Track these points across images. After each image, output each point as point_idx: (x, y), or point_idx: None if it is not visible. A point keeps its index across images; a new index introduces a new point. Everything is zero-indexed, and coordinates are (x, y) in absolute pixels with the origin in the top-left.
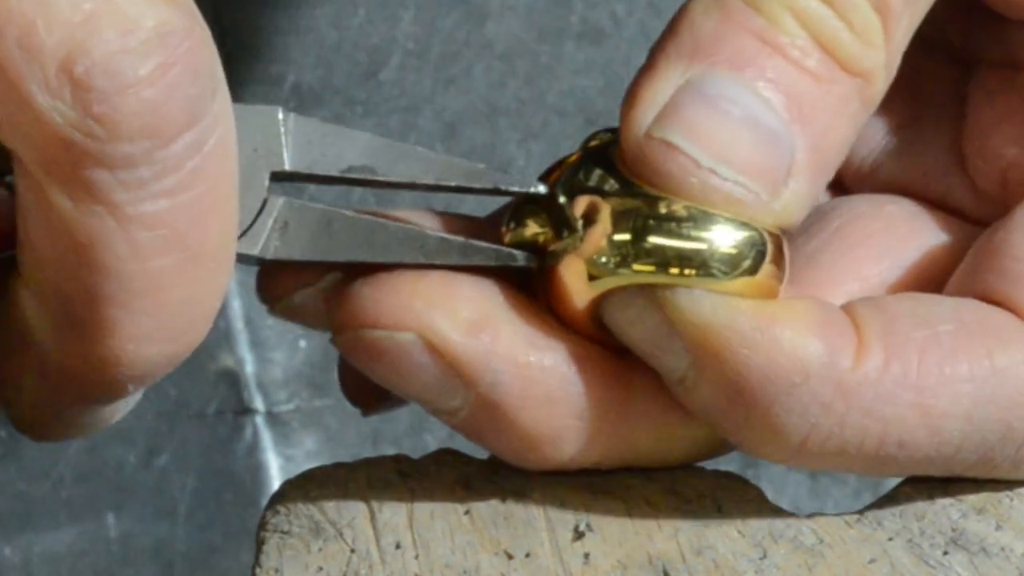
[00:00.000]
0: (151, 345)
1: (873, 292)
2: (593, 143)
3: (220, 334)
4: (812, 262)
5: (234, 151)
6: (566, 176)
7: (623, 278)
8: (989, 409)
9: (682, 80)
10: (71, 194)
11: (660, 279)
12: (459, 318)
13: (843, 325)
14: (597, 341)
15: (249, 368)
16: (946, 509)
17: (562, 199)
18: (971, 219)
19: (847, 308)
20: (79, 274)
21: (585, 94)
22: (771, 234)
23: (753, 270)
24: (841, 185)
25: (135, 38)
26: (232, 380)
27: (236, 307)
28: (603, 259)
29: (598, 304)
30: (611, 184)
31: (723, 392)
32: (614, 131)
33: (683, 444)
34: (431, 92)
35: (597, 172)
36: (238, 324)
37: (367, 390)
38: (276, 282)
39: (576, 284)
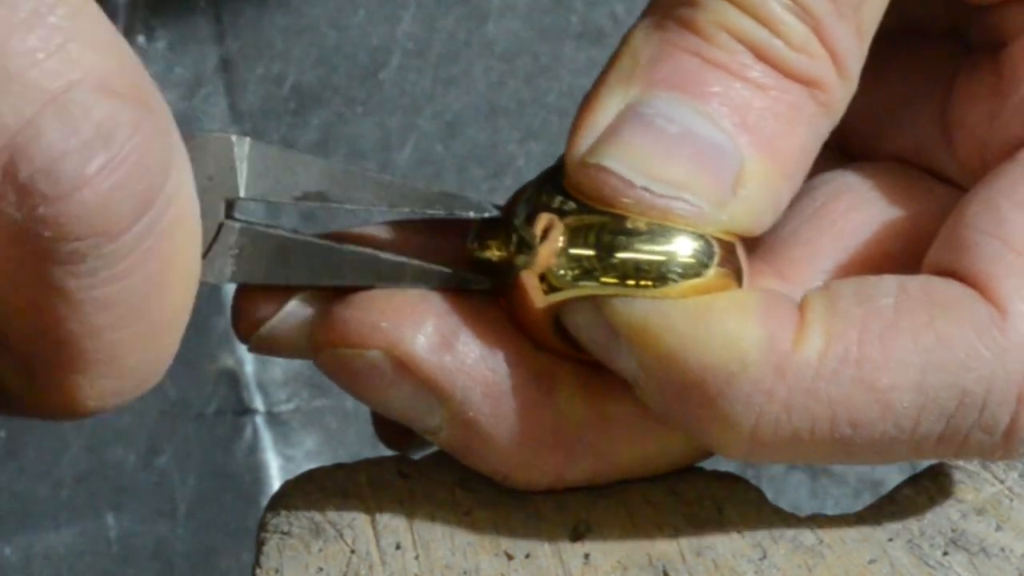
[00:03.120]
0: (110, 398)
1: (849, 267)
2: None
3: (220, 334)
4: (791, 240)
5: (193, 218)
6: (526, 197)
7: (578, 290)
8: (939, 376)
9: (622, 105)
10: (23, 282)
11: (618, 291)
12: (426, 335)
13: (784, 311)
14: (568, 357)
15: (249, 368)
16: (946, 509)
17: (518, 218)
18: (962, 190)
19: (802, 300)
20: (40, 342)
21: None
22: (719, 240)
23: (699, 275)
24: (848, 152)
25: (78, 139)
26: (232, 380)
27: None
28: (560, 272)
29: (558, 317)
30: (568, 203)
31: (669, 390)
32: None
33: (666, 451)
34: (431, 92)
35: (552, 191)
36: None
37: (399, 431)
38: (243, 319)
39: (535, 298)
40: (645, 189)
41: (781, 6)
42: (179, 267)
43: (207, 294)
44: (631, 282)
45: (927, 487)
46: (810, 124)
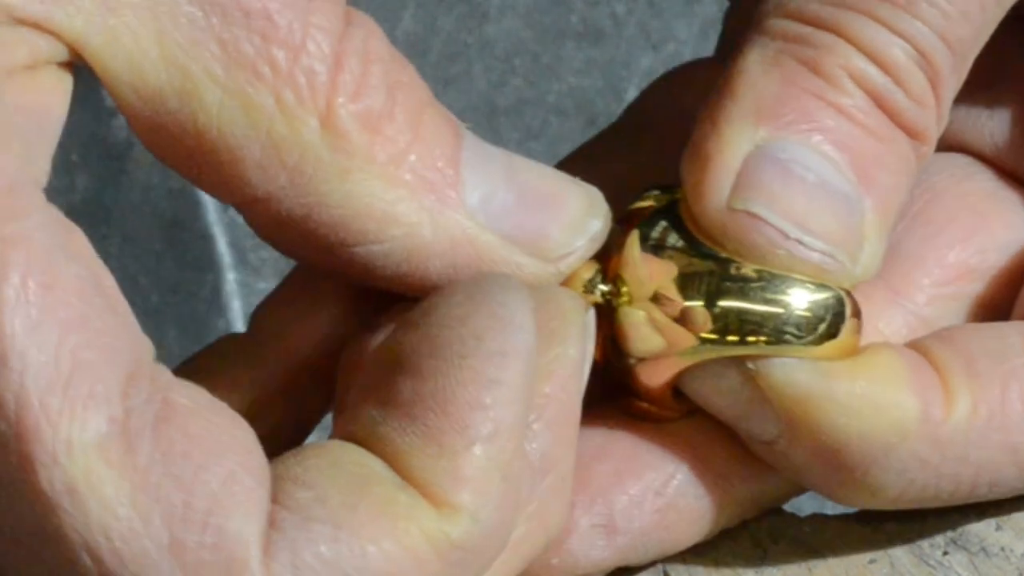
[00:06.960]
0: None
1: (957, 279)
2: (641, 204)
3: (220, 334)
4: (895, 252)
5: None
6: (618, 244)
7: (707, 352)
8: None
9: (751, 145)
10: None
11: (741, 350)
12: (588, 536)
13: (928, 374)
14: (669, 405)
15: None
16: (946, 509)
17: (626, 270)
18: None
19: (918, 348)
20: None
21: (585, 94)
22: (847, 292)
23: (835, 332)
24: None
25: None
26: None
27: (236, 307)
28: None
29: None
30: (668, 252)
31: (818, 457)
32: (665, 190)
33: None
34: (431, 92)
35: (669, 242)
36: (238, 324)
37: None
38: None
39: (663, 372)
40: (798, 241)
41: (906, 55)
42: None
43: (207, 294)
44: (752, 338)
45: None
46: (909, 177)
